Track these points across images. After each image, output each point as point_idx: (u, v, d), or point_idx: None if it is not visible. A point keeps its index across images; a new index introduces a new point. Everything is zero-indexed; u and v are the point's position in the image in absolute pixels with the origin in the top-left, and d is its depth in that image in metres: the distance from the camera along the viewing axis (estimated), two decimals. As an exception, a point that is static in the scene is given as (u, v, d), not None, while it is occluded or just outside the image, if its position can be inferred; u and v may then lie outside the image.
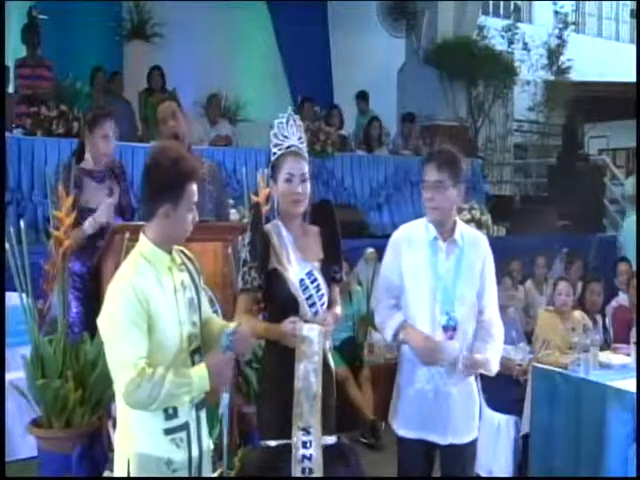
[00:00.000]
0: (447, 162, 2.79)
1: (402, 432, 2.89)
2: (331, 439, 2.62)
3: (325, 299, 2.65)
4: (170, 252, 2.24)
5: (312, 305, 2.61)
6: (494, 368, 2.86)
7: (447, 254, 2.83)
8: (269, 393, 2.65)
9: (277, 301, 2.63)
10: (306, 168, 2.66)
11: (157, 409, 2.11)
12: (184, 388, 2.09)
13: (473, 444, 2.91)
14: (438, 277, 2.80)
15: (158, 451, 2.15)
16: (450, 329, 2.77)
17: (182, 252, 2.33)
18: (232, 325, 2.30)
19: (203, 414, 2.29)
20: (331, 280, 2.71)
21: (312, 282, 2.61)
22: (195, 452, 2.23)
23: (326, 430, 2.59)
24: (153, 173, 2.17)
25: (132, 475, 2.15)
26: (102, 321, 2.13)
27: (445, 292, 2.79)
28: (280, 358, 2.58)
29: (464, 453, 2.87)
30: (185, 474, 2.21)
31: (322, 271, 2.66)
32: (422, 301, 2.81)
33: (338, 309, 2.78)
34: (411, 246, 2.87)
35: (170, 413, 2.15)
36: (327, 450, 2.57)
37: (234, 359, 2.24)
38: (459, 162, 2.84)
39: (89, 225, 3.62)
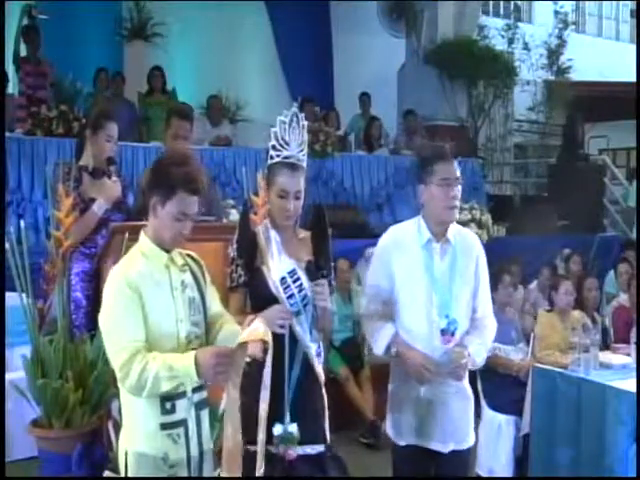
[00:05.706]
0: (454, 157, 2.77)
1: (401, 441, 2.79)
2: (312, 448, 2.52)
3: (308, 299, 2.56)
4: (168, 251, 2.26)
5: (293, 304, 2.54)
6: (479, 362, 2.81)
7: (442, 255, 2.76)
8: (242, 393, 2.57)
9: (260, 300, 2.56)
10: (302, 182, 2.55)
11: (150, 395, 2.10)
12: (170, 373, 2.06)
13: (472, 450, 2.88)
14: (434, 280, 2.73)
15: (154, 445, 2.16)
16: (449, 333, 2.71)
17: (189, 256, 2.35)
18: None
19: (204, 414, 2.27)
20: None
21: (294, 281, 2.55)
22: (195, 451, 2.22)
23: (310, 438, 2.52)
24: (156, 166, 2.25)
25: (129, 468, 2.16)
26: (100, 314, 2.19)
27: (442, 294, 2.72)
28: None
29: (465, 459, 2.83)
30: (184, 473, 2.20)
31: (307, 271, 2.58)
32: (418, 305, 2.73)
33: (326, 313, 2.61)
34: (403, 250, 2.78)
35: (167, 408, 2.16)
36: (309, 459, 2.51)
37: (229, 354, 2.11)
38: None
39: (98, 207, 3.63)
